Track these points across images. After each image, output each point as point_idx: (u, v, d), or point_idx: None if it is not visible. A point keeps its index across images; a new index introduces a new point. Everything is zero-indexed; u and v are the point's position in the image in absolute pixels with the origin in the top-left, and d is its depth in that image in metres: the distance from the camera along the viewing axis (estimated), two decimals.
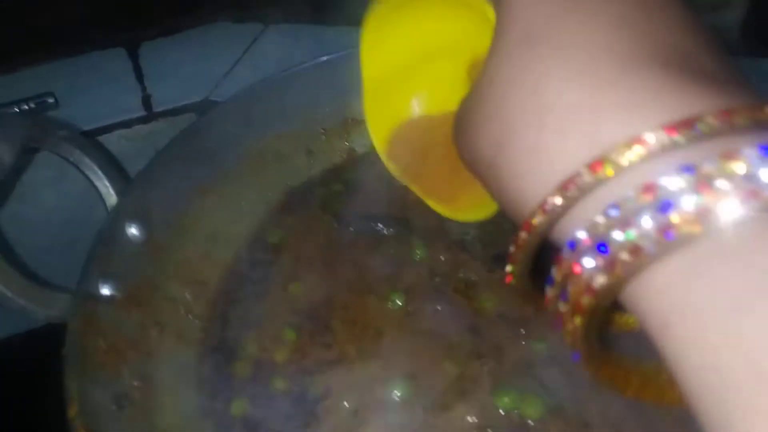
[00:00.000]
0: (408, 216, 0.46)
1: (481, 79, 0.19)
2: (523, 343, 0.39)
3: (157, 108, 0.60)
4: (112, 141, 0.58)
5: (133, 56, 0.66)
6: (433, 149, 0.27)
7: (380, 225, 0.45)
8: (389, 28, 0.27)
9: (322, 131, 0.49)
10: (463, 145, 0.21)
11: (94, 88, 0.62)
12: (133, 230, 0.39)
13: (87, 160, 0.38)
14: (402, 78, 0.27)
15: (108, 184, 0.39)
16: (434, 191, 0.29)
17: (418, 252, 0.43)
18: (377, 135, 0.28)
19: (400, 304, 0.41)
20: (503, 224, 0.45)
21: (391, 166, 0.28)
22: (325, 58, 0.49)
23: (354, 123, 0.50)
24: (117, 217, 0.38)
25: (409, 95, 0.27)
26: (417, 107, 0.27)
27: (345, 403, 0.36)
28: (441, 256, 0.43)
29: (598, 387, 0.37)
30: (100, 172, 0.38)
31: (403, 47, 0.27)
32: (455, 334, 0.39)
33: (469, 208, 0.30)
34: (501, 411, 0.36)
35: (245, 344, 0.40)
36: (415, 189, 0.29)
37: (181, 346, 0.39)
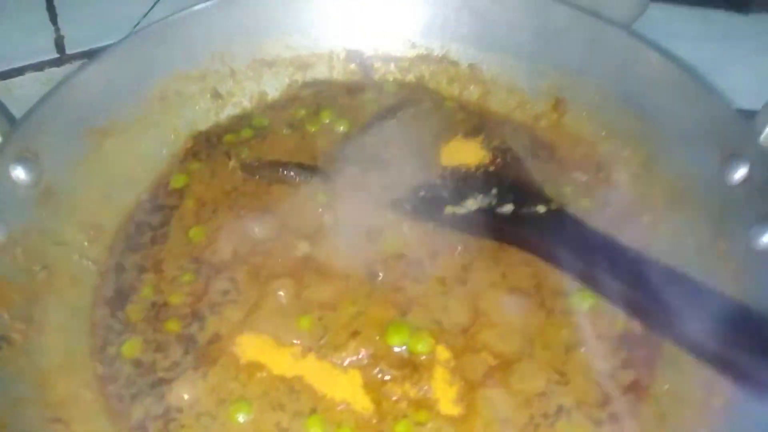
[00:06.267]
0: (317, 163, 0.45)
1: None
2: (421, 280, 0.39)
3: (71, 50, 0.58)
4: (23, 84, 0.56)
5: None
6: None
7: (289, 173, 0.44)
8: None
9: (231, 72, 0.47)
10: None
11: (4, 27, 0.59)
12: (18, 173, 0.37)
13: None
14: None
15: None
16: None
17: (321, 199, 0.43)
18: None
19: (306, 250, 0.41)
20: (403, 169, 0.45)
21: None
22: None
23: (265, 64, 0.49)
24: None
25: None
26: None
27: (235, 346, 0.36)
28: (344, 202, 0.42)
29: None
30: None
31: None
32: (356, 276, 0.39)
33: None
34: (394, 348, 0.36)
35: (141, 288, 0.39)
36: None
37: (73, 291, 0.38)
